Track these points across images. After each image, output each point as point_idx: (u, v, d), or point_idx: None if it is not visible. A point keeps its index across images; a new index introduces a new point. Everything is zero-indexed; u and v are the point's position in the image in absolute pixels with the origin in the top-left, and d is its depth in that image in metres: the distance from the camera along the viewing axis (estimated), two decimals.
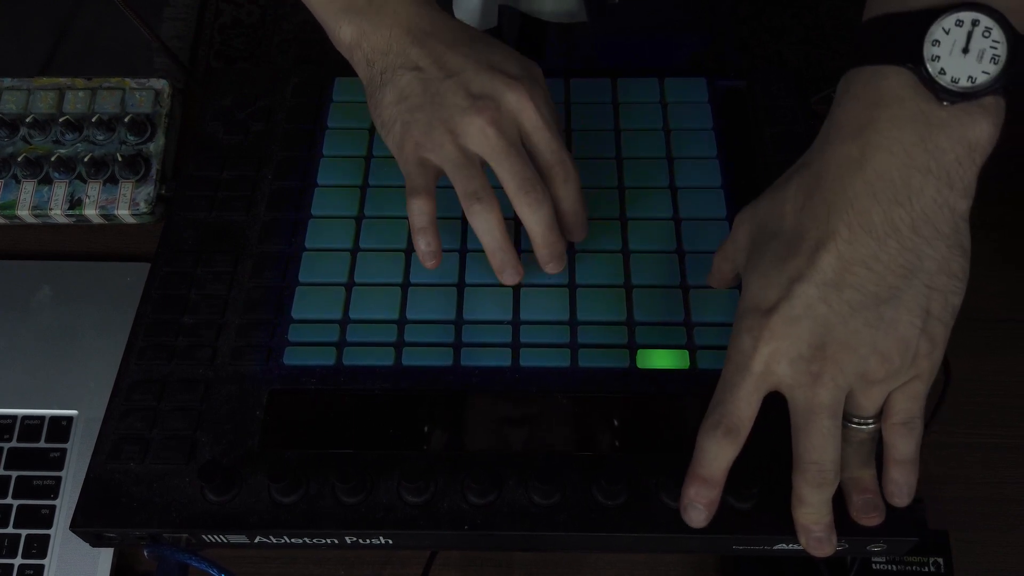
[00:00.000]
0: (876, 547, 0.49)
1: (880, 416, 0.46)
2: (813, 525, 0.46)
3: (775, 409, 0.50)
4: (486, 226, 0.52)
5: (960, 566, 0.57)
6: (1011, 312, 0.67)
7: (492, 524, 0.49)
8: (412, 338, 0.55)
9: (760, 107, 0.66)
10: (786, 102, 0.66)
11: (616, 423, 0.52)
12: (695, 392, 0.53)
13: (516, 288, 0.57)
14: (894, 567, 0.57)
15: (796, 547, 0.48)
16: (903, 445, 0.45)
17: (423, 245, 0.54)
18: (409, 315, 0.56)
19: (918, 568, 0.57)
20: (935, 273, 0.43)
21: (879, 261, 0.42)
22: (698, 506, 0.46)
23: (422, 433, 0.52)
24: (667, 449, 0.51)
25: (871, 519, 0.47)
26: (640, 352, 0.54)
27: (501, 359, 0.54)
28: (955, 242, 0.43)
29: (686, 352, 0.54)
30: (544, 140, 0.53)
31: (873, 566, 0.57)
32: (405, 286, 0.58)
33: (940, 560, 0.57)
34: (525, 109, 0.52)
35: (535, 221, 0.53)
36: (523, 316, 0.56)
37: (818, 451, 0.44)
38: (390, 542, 0.50)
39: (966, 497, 0.61)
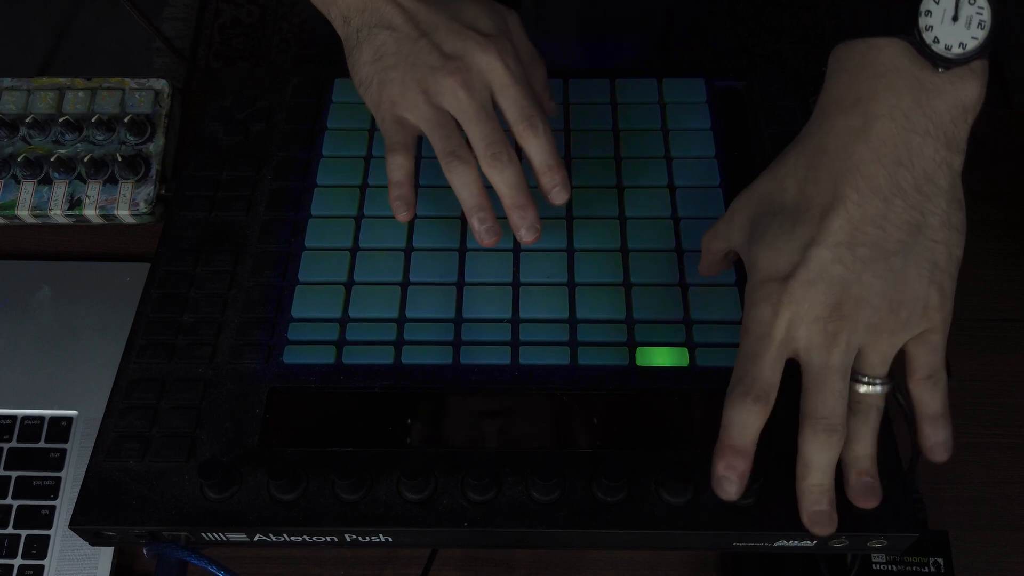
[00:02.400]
0: (876, 543, 0.49)
1: (887, 381, 0.46)
2: (817, 495, 0.46)
3: (774, 404, 0.51)
4: (463, 180, 0.53)
5: (960, 566, 0.57)
6: (1011, 312, 0.67)
7: (492, 521, 0.49)
8: (411, 336, 0.55)
9: (759, 107, 0.66)
10: (785, 102, 0.66)
11: (615, 421, 0.52)
12: (694, 389, 0.53)
13: (515, 286, 0.57)
14: (894, 567, 0.57)
15: (797, 543, 0.49)
16: (931, 399, 0.47)
17: (396, 195, 0.55)
18: (408, 313, 0.56)
19: (918, 568, 0.57)
20: (938, 228, 0.45)
21: (887, 220, 0.44)
22: (731, 477, 0.46)
23: (422, 431, 0.52)
24: (667, 446, 0.51)
25: (867, 501, 0.47)
26: (639, 350, 0.54)
27: (501, 357, 0.54)
28: (953, 197, 0.45)
29: (685, 350, 0.54)
30: (511, 98, 0.54)
31: (873, 566, 0.57)
32: (404, 285, 0.58)
33: (940, 560, 0.57)
34: (494, 69, 0.54)
35: (500, 181, 0.53)
36: (522, 314, 0.56)
37: (828, 407, 0.45)
38: (390, 540, 0.50)
39: (966, 497, 0.61)
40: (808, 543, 0.49)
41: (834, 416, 0.45)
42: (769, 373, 0.45)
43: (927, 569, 0.57)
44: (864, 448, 0.47)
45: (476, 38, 0.54)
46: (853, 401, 0.46)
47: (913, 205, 0.44)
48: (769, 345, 0.45)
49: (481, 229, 0.54)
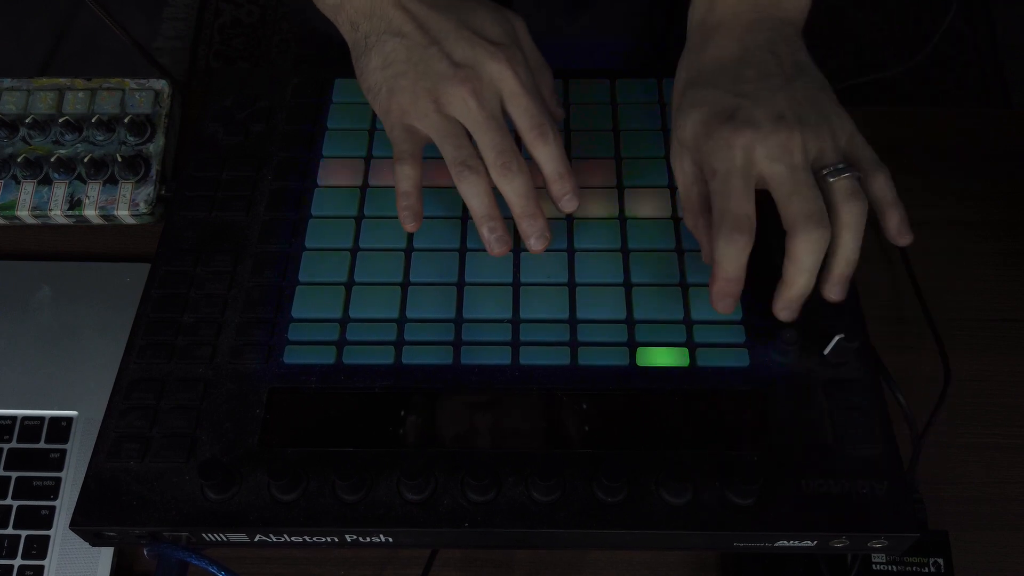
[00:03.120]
0: (877, 544, 0.49)
1: (849, 167, 0.51)
2: (797, 296, 0.52)
3: (774, 404, 0.51)
4: (474, 190, 0.54)
5: (960, 566, 0.57)
6: (1011, 312, 0.67)
7: (492, 522, 0.49)
8: (412, 337, 0.55)
9: None
10: None
11: (616, 420, 0.52)
12: (695, 390, 0.53)
13: (516, 286, 0.57)
14: (894, 567, 0.57)
15: (797, 543, 0.49)
16: (886, 187, 0.52)
17: (404, 205, 0.56)
18: (409, 314, 0.56)
19: (918, 568, 0.57)
20: (810, 64, 0.54)
21: (778, 60, 0.53)
22: (727, 300, 0.52)
23: (422, 431, 0.52)
24: (667, 446, 0.51)
25: (838, 295, 0.52)
26: (640, 350, 0.54)
27: (501, 357, 0.54)
28: (807, 52, 0.55)
29: (685, 350, 0.54)
30: (521, 106, 0.55)
31: (873, 566, 0.57)
32: (405, 285, 0.58)
33: (940, 560, 0.57)
34: (505, 78, 0.54)
35: (511, 191, 0.55)
36: (523, 314, 0.56)
37: (810, 201, 0.49)
38: (390, 540, 0.50)
39: (966, 497, 0.61)
40: (808, 543, 0.49)
41: (819, 209, 0.49)
42: (744, 201, 0.50)
43: (927, 569, 0.57)
44: (852, 241, 0.51)
45: (486, 46, 0.54)
46: (832, 194, 0.50)
47: (788, 52, 0.54)
48: (735, 174, 0.50)
49: (492, 238, 0.56)
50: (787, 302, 0.52)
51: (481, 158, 0.54)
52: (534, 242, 0.56)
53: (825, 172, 0.50)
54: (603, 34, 0.92)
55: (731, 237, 0.50)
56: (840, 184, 0.50)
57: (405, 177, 0.55)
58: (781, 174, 0.50)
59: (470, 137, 0.55)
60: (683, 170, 0.55)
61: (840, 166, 0.50)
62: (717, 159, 0.51)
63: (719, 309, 0.53)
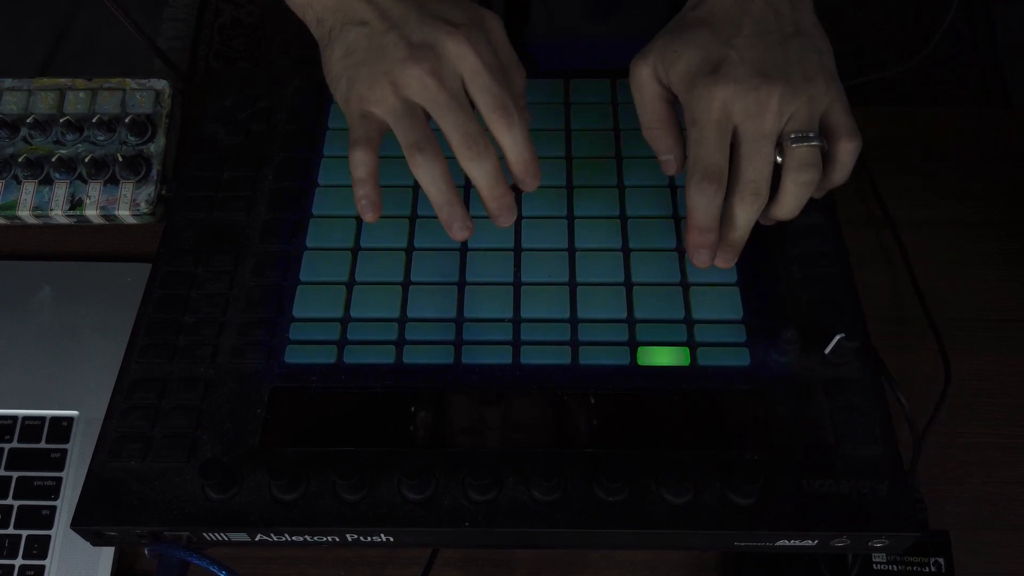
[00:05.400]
0: (878, 543, 0.49)
1: (818, 137, 0.52)
2: (733, 252, 0.54)
3: (775, 404, 0.51)
4: (429, 177, 0.51)
5: (960, 566, 0.57)
6: (1011, 312, 0.67)
7: (493, 521, 0.49)
8: (413, 336, 0.55)
9: None
10: None
11: (617, 420, 0.52)
12: (695, 389, 0.53)
13: (516, 286, 0.57)
14: (895, 567, 0.57)
15: (798, 543, 0.49)
16: (846, 157, 0.53)
17: (360, 194, 0.53)
18: (410, 313, 0.56)
19: (918, 568, 0.57)
20: (812, 26, 0.54)
21: (778, 19, 0.53)
22: (703, 250, 0.54)
23: (423, 431, 0.52)
24: (668, 446, 0.51)
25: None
26: (640, 349, 0.54)
27: (502, 357, 0.54)
28: (812, 9, 0.55)
29: (686, 349, 0.54)
30: (483, 86, 0.52)
31: (874, 566, 0.57)
32: (406, 284, 0.58)
33: (940, 560, 0.57)
34: (465, 56, 0.52)
35: (478, 175, 0.52)
36: (524, 314, 0.56)
37: (760, 172, 0.51)
38: (391, 540, 0.50)
39: (966, 497, 0.61)
40: (809, 543, 0.49)
41: (763, 180, 0.51)
42: (716, 153, 0.51)
43: (928, 569, 0.57)
44: (794, 205, 0.53)
45: (445, 27, 0.52)
46: (788, 159, 0.52)
47: (791, 11, 0.54)
48: (711, 127, 0.51)
49: (453, 225, 0.53)
50: (723, 258, 0.55)
51: (435, 141, 0.51)
52: (503, 219, 0.54)
53: (792, 136, 0.51)
54: (629, 35, 0.92)
55: (701, 186, 0.51)
56: (799, 151, 0.51)
57: (359, 163, 0.52)
58: (747, 134, 0.51)
59: (429, 120, 0.53)
60: (652, 87, 0.55)
61: (808, 134, 0.51)
62: (697, 109, 0.52)
63: (696, 263, 0.54)
